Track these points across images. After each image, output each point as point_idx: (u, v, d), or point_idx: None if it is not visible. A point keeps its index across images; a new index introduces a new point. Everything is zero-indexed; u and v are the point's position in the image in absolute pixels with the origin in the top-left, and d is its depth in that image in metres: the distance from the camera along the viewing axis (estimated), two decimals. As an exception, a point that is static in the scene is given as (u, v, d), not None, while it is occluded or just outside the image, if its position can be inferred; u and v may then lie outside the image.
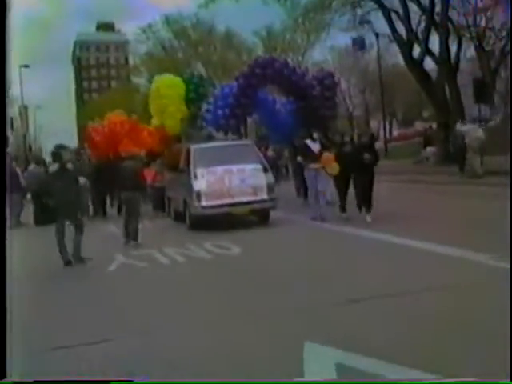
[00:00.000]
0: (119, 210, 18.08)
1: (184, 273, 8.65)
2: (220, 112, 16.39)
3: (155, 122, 17.43)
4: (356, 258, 8.41)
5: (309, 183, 12.96)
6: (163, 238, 12.39)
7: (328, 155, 12.31)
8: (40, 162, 19.61)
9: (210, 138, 14.96)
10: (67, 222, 10.03)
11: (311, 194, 12.87)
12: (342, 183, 12.38)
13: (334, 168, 12.05)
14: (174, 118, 16.71)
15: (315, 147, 12.77)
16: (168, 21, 51.11)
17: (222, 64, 49.76)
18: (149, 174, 15.69)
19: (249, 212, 13.16)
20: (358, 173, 11.78)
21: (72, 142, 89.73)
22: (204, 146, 13.92)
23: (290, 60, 48.94)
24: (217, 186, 12.73)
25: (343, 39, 68.38)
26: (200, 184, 12.79)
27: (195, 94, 17.67)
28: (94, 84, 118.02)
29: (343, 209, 12.43)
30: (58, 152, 10.27)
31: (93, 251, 10.33)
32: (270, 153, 19.60)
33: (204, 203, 12.65)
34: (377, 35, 34.95)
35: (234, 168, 13.04)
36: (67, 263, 9.88)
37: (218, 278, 8.00)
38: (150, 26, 51.51)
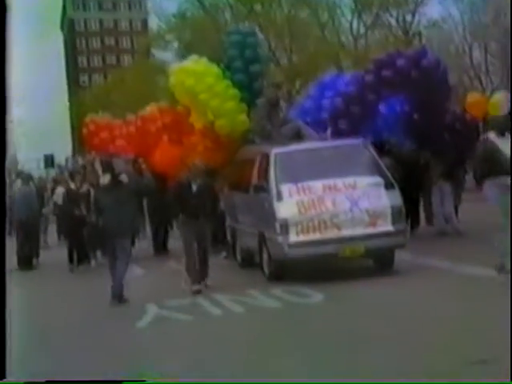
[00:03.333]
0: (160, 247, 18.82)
1: (242, 328, 9.81)
2: (327, 103, 16.68)
3: (196, 121, 17.24)
4: None
5: None
6: (212, 279, 13.40)
7: None
8: (29, 179, 20.20)
9: (299, 136, 14.83)
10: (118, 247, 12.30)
11: None
12: None
13: None
14: (225, 112, 16.38)
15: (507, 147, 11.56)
16: (210, -37, 51.35)
17: (290, 28, 49.60)
18: None
19: (363, 253, 12.88)
20: None
21: (64, 146, 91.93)
22: (292, 148, 13.87)
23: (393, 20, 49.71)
24: (314, 212, 12.61)
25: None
26: (287, 208, 12.69)
27: (253, 60, 17.35)
28: (96, 61, 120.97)
29: None
30: (108, 161, 12.79)
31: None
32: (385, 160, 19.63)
33: (294, 239, 12.52)
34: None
35: (340, 182, 12.91)
36: (120, 299, 12.10)
37: (290, 337, 8.81)
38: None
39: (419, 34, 49.08)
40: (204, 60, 17.26)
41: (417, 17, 50.73)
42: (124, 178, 12.35)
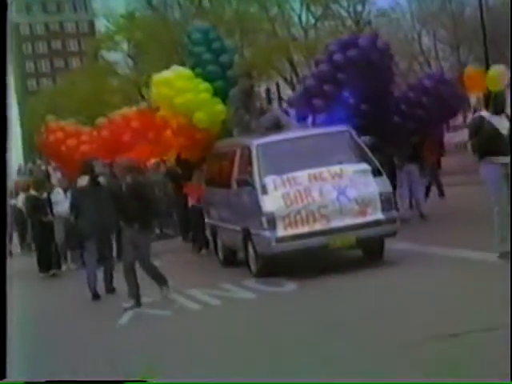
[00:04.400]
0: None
1: (221, 320, 10.25)
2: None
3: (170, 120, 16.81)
4: None
5: None
6: (185, 276, 13.67)
7: None
8: None
9: (279, 126, 14.37)
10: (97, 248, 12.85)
11: None
12: None
13: None
14: (201, 104, 15.79)
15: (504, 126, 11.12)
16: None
17: (240, 24, 49.21)
18: (193, 190, 16.37)
19: (354, 243, 12.42)
20: None
21: (16, 155, 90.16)
22: (274, 139, 13.36)
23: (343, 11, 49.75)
24: (301, 204, 12.06)
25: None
26: (273, 201, 12.14)
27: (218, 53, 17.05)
28: (44, 65, 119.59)
29: None
30: (88, 162, 13.14)
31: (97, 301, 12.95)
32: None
33: (281, 233, 11.99)
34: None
35: (326, 171, 12.38)
36: (95, 297, 12.71)
37: (266, 326, 9.25)
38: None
39: (369, 23, 49.11)
40: (179, 68, 17.17)
41: (366, 7, 51.17)
42: (102, 180, 12.88)
